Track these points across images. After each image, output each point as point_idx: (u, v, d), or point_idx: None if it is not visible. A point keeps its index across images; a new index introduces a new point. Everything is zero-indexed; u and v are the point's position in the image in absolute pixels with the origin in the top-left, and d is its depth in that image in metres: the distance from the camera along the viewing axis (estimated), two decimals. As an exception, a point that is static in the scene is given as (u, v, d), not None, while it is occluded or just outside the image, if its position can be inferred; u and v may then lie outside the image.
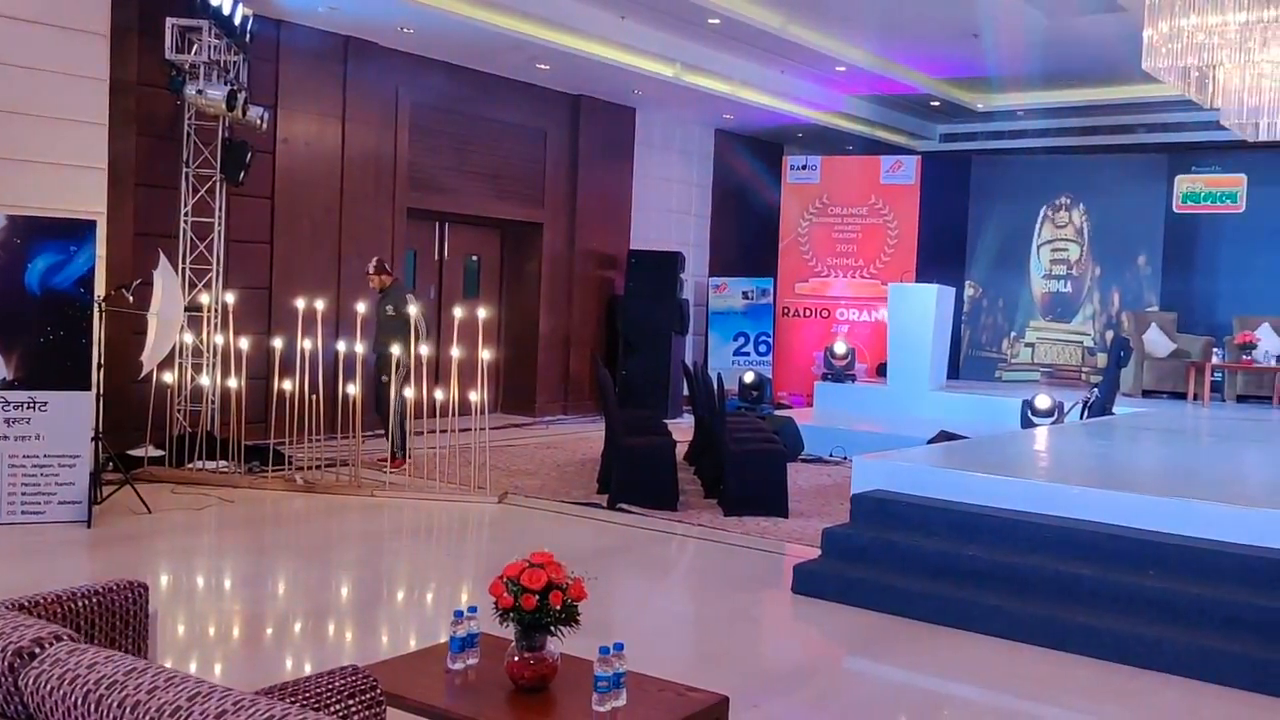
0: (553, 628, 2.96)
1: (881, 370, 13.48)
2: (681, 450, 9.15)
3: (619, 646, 2.91)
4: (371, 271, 9.20)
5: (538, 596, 2.92)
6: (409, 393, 8.49)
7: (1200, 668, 4.63)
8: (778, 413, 11.86)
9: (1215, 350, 12.87)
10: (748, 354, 14.92)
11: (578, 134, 13.15)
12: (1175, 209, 14.50)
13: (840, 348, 13.55)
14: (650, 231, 14.22)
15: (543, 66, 11.67)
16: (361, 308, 8.46)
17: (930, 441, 9.10)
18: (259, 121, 9.04)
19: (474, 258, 12.93)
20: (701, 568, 6.79)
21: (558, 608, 2.94)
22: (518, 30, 10.40)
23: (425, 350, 8.35)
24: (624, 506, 7.77)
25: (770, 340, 14.94)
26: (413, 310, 8.67)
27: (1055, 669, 4.78)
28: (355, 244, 10.69)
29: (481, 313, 8.41)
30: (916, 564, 5.66)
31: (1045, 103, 14.56)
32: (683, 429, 10.39)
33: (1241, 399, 12.56)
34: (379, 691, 2.55)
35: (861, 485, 6.37)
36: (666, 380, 13.16)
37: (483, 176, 12.23)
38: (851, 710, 4.37)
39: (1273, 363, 12.16)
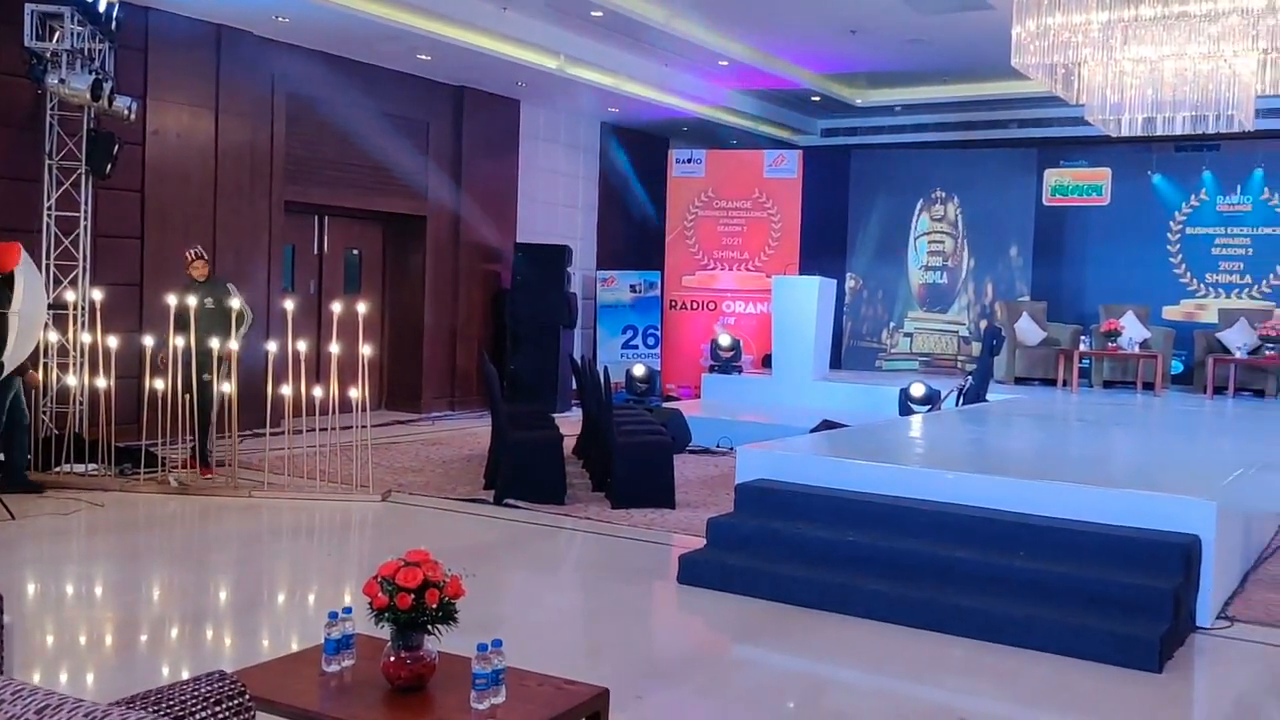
0: (430, 626, 2.93)
1: (767, 361, 13.66)
2: (570, 444, 9.14)
3: (497, 643, 2.89)
4: (193, 258, 8.59)
5: (413, 595, 2.88)
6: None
7: (1069, 644, 4.80)
8: (665, 405, 11.92)
9: (1083, 338, 13.39)
10: (636, 347, 14.97)
11: (461, 126, 12.99)
12: (1045, 202, 15.04)
13: (725, 340, 13.68)
14: (537, 225, 14.14)
15: (424, 57, 11.51)
16: (235, 304, 8.22)
17: (812, 430, 9.26)
18: (127, 112, 8.73)
19: (355, 252, 12.70)
20: (588, 561, 6.79)
21: (434, 606, 2.90)
22: (396, 20, 10.21)
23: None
24: (511, 502, 7.72)
25: (658, 333, 15.01)
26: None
27: (933, 650, 4.90)
28: (230, 238, 10.40)
29: (361, 307, 8.26)
30: (798, 551, 5.75)
31: (921, 99, 14.88)
32: (571, 422, 10.37)
33: (1108, 384, 13.06)
34: (248, 697, 2.48)
35: (745, 475, 6.44)
36: (555, 374, 13.12)
37: (363, 169, 12.00)
38: (736, 697, 4.42)
39: (1136, 349, 12.67)
